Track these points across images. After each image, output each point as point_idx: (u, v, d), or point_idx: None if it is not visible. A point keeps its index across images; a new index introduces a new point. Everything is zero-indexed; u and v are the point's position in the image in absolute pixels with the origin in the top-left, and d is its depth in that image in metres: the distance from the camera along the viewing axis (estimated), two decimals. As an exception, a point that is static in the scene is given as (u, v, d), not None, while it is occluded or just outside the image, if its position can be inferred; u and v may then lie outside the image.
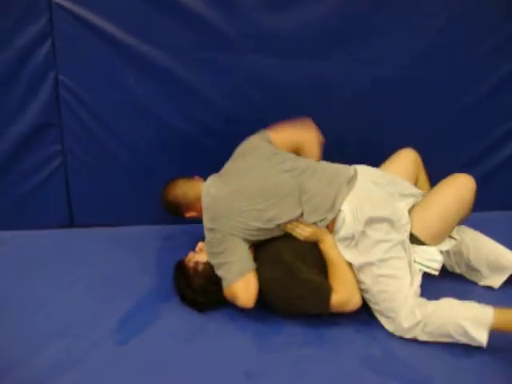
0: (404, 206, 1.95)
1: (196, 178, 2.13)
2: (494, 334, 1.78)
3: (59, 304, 2.04)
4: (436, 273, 1.92)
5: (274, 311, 1.96)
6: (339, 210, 1.91)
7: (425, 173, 2.20)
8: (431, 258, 1.92)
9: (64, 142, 2.34)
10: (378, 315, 1.94)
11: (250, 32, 2.18)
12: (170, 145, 2.38)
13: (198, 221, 2.04)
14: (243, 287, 1.87)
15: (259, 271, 1.91)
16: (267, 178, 1.99)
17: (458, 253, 2.10)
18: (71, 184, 2.42)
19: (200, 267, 1.98)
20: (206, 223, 1.97)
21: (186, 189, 2.08)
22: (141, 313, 2.01)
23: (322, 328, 1.94)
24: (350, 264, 1.91)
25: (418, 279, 1.90)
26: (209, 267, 1.96)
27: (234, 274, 1.88)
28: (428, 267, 1.91)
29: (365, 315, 1.95)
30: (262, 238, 1.97)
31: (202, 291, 1.97)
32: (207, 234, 1.97)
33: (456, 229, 2.02)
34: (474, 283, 2.15)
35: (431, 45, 2.30)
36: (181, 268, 2.02)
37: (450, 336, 1.82)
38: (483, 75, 2.40)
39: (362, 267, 1.89)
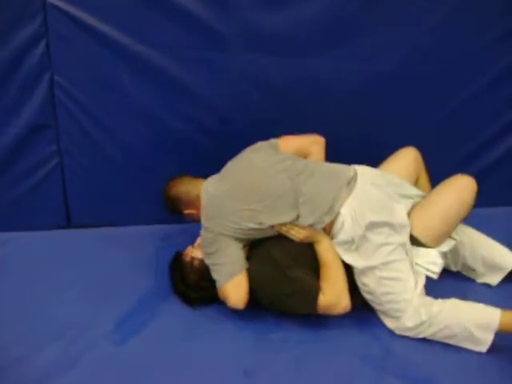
0: (403, 207, 1.93)
1: (200, 179, 2.11)
2: (498, 334, 1.78)
3: (57, 304, 2.04)
4: (435, 276, 1.91)
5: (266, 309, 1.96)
6: (338, 213, 1.89)
7: (426, 172, 2.19)
8: (431, 261, 1.91)
9: (60, 143, 2.34)
10: (380, 315, 1.93)
11: (245, 31, 2.18)
12: (165, 144, 2.38)
13: (195, 220, 2.05)
14: (233, 289, 1.88)
15: (249, 269, 1.92)
16: (263, 177, 1.98)
17: (454, 251, 2.08)
18: (68, 185, 2.42)
19: (195, 263, 1.98)
20: (203, 221, 1.97)
21: (189, 186, 2.08)
22: (139, 313, 2.02)
23: (321, 326, 1.94)
24: (348, 267, 1.90)
25: (422, 280, 1.89)
26: (204, 264, 1.96)
27: (225, 276, 1.89)
28: (428, 270, 1.90)
29: (364, 313, 1.95)
30: (256, 237, 1.96)
31: (195, 286, 1.98)
32: (202, 233, 1.97)
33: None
34: (472, 280, 2.15)
35: (427, 40, 2.29)
36: (177, 260, 2.03)
37: (454, 338, 1.82)
38: (481, 70, 2.39)
39: (364, 270, 1.87)
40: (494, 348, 1.79)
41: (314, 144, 2.16)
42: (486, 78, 2.40)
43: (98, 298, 2.08)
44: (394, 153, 2.20)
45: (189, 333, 1.93)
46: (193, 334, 1.93)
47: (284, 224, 1.92)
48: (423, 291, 1.89)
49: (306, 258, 1.92)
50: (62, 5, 2.09)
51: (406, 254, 1.88)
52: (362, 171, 2.01)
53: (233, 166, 2.07)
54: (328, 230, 1.93)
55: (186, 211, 2.09)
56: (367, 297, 1.92)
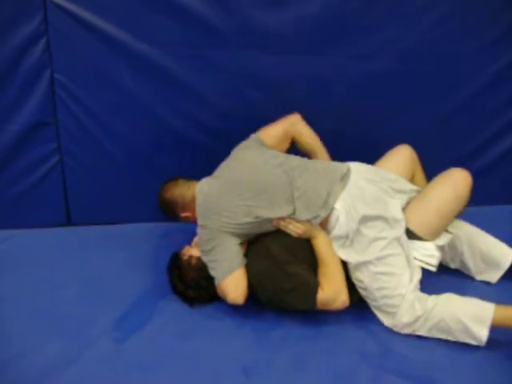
0: (398, 202, 1.94)
1: (193, 181, 2.10)
2: (494, 329, 1.78)
3: (57, 302, 2.04)
4: (434, 269, 1.92)
5: (266, 307, 1.97)
6: (333, 208, 1.91)
7: (421, 169, 2.20)
8: (429, 254, 1.92)
9: (60, 141, 2.34)
10: (376, 311, 1.94)
11: (245, 28, 2.18)
12: (165, 142, 2.38)
13: (193, 222, 2.05)
14: (232, 284, 1.88)
15: (248, 265, 1.92)
16: (259, 172, 1.99)
17: (452, 247, 2.10)
18: (68, 182, 2.42)
19: (193, 261, 1.99)
20: (198, 220, 1.98)
21: (183, 189, 2.07)
22: (138, 310, 2.02)
23: (319, 323, 1.94)
24: (344, 263, 1.92)
25: (418, 274, 1.90)
26: (202, 262, 1.97)
27: (223, 272, 1.89)
28: (426, 263, 1.92)
29: (363, 310, 1.96)
30: (253, 232, 1.97)
31: (193, 285, 1.99)
32: (198, 231, 1.98)
33: (450, 223, 2.03)
34: (471, 278, 2.15)
35: (427, 40, 2.29)
36: (175, 260, 2.04)
37: (449, 332, 1.83)
38: (480, 69, 2.39)
39: (358, 266, 1.89)
40: (491, 345, 1.80)
41: (295, 123, 2.17)
42: (485, 77, 2.40)
43: (97, 295, 2.08)
44: (388, 151, 2.20)
45: (188, 330, 1.93)
46: (192, 331, 1.93)
47: (281, 218, 1.92)
48: (418, 286, 1.90)
49: (305, 253, 1.93)
50: (63, 2, 2.09)
51: (402, 248, 1.88)
52: (356, 167, 2.02)
53: (227, 165, 2.08)
54: (324, 226, 1.94)
55: (183, 214, 2.08)
56: (362, 293, 1.93)
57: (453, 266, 2.17)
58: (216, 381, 1.74)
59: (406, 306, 1.85)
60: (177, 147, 2.39)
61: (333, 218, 1.91)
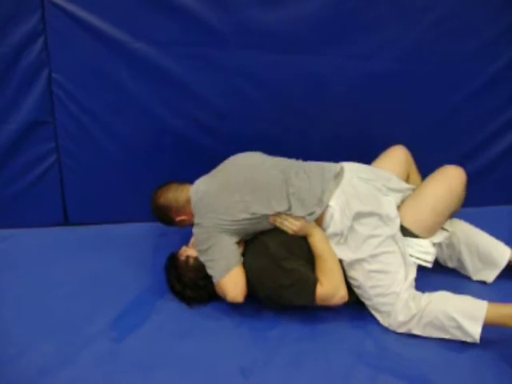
0: (392, 199, 1.95)
1: (186, 184, 2.10)
2: (489, 328, 1.78)
3: (54, 301, 2.04)
4: (429, 265, 1.93)
5: (265, 306, 1.97)
6: (327, 205, 1.91)
7: (416, 170, 2.20)
8: (424, 251, 1.92)
9: (58, 140, 2.34)
10: (372, 310, 1.94)
11: (244, 28, 2.18)
12: (163, 141, 2.38)
13: (189, 226, 2.05)
14: (231, 283, 1.88)
15: (245, 263, 1.92)
16: (256, 171, 2.00)
17: (450, 245, 2.10)
18: (65, 182, 2.42)
19: (191, 261, 1.99)
20: (195, 218, 1.97)
21: (177, 192, 2.06)
22: (136, 310, 2.02)
23: (316, 323, 1.94)
24: (340, 260, 1.91)
25: (413, 272, 1.90)
26: (199, 262, 1.96)
27: (221, 271, 1.89)
28: (421, 260, 1.92)
29: (360, 310, 1.95)
30: (250, 229, 1.96)
31: (192, 285, 1.99)
32: (194, 230, 1.98)
33: (449, 221, 2.03)
34: (468, 278, 2.15)
35: (427, 39, 2.29)
36: (172, 260, 2.04)
37: (443, 330, 1.82)
38: (479, 69, 2.39)
39: (352, 264, 1.89)
40: (486, 343, 1.80)
41: None
42: (485, 76, 2.40)
43: (94, 295, 2.08)
44: (382, 152, 2.20)
45: (186, 330, 1.93)
46: (190, 331, 1.92)
47: (277, 215, 1.92)
48: (413, 284, 1.90)
49: (302, 250, 1.93)
50: (61, 2, 2.09)
51: (397, 245, 1.88)
52: (350, 167, 2.03)
53: (224, 166, 2.09)
54: (319, 224, 1.95)
55: (178, 218, 2.07)
56: (357, 291, 1.93)
57: (450, 265, 2.16)
58: (213, 380, 1.74)
59: (400, 304, 1.85)
60: (175, 146, 2.39)
61: (327, 216, 1.92)
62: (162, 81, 2.25)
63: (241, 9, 2.15)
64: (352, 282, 1.92)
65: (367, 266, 1.87)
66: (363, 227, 1.88)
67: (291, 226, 1.92)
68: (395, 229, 1.89)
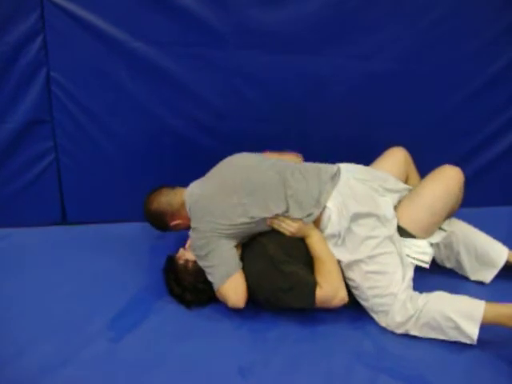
0: (389, 200, 1.95)
1: (178, 187, 2.08)
2: (486, 329, 1.78)
3: (52, 301, 2.03)
4: (426, 266, 1.93)
5: (263, 308, 1.96)
6: (325, 207, 1.91)
7: (415, 171, 2.20)
8: (421, 251, 1.92)
9: (56, 139, 2.33)
10: (369, 311, 1.94)
11: (243, 28, 2.18)
12: (162, 141, 2.37)
13: (184, 229, 2.04)
14: (231, 289, 1.88)
15: (244, 266, 1.91)
16: (253, 173, 1.99)
17: (448, 245, 2.10)
18: (63, 181, 2.42)
19: (190, 265, 1.98)
20: (191, 223, 1.96)
21: (169, 197, 2.04)
22: (134, 310, 2.01)
23: (315, 324, 1.94)
24: (338, 261, 1.91)
25: (411, 272, 1.90)
26: (198, 266, 1.95)
27: (221, 277, 1.88)
28: (418, 260, 1.92)
29: (358, 311, 1.95)
30: (248, 232, 1.95)
31: (191, 288, 1.98)
32: (191, 235, 1.97)
33: (447, 221, 2.03)
34: (466, 278, 2.15)
35: (426, 39, 2.29)
36: (171, 264, 2.03)
37: (441, 330, 1.82)
38: (479, 69, 2.39)
39: (350, 265, 1.89)
40: (483, 344, 1.80)
41: (293, 160, 2.17)
42: (484, 76, 2.40)
43: (92, 295, 2.07)
44: (382, 153, 2.20)
45: (184, 331, 1.92)
46: (188, 332, 1.92)
47: (275, 217, 1.92)
48: (411, 284, 1.90)
49: (300, 252, 1.93)
50: (60, 0, 2.09)
51: (394, 246, 1.88)
52: (346, 167, 2.03)
53: (219, 168, 2.07)
54: (316, 225, 1.94)
55: (173, 223, 2.06)
56: (354, 292, 1.93)
57: (448, 265, 2.16)
58: (212, 381, 1.74)
59: (398, 305, 1.85)
60: (174, 146, 2.39)
61: (325, 217, 1.92)
62: (162, 80, 2.25)
63: (240, 9, 2.15)
64: (349, 283, 1.92)
65: (365, 267, 1.87)
66: (361, 228, 1.87)
67: (288, 227, 1.92)
68: (392, 229, 1.89)
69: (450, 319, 1.80)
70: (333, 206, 1.90)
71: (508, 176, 2.61)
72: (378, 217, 1.88)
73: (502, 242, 2.11)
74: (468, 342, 1.80)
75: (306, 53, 2.25)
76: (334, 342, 1.87)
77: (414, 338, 1.86)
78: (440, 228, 2.00)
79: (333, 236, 1.90)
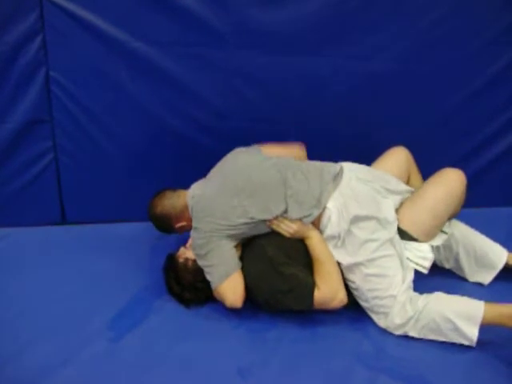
0: (390, 202, 1.94)
1: (180, 190, 2.08)
2: (485, 329, 1.78)
3: (51, 301, 2.03)
4: (425, 271, 1.92)
5: (262, 309, 1.96)
6: (325, 207, 1.90)
7: (417, 171, 2.19)
8: (422, 256, 1.91)
9: (55, 139, 2.33)
10: (369, 312, 1.94)
11: (243, 28, 2.18)
12: (161, 141, 2.37)
13: (189, 231, 2.03)
14: (229, 289, 1.87)
15: (244, 267, 1.91)
16: (253, 172, 1.98)
17: (447, 247, 2.10)
18: (63, 181, 2.42)
19: (190, 264, 1.98)
20: (193, 222, 1.96)
21: (172, 199, 2.04)
22: (134, 310, 2.02)
23: (314, 325, 1.94)
24: (337, 263, 1.90)
25: (411, 274, 1.90)
26: (198, 265, 1.95)
27: (219, 277, 1.88)
28: (418, 264, 1.91)
29: (357, 312, 1.95)
30: (248, 233, 1.95)
31: (190, 287, 1.98)
32: (192, 234, 1.96)
33: (447, 222, 2.02)
34: (465, 279, 2.14)
35: (426, 39, 2.29)
36: (171, 262, 2.03)
37: (440, 332, 1.82)
38: (479, 70, 2.38)
39: (350, 267, 1.88)
40: (483, 346, 1.80)
41: (297, 153, 2.16)
42: (484, 77, 2.40)
43: (92, 295, 2.07)
44: (383, 153, 2.19)
45: (183, 331, 1.92)
46: (187, 332, 1.92)
47: (274, 217, 1.91)
48: (411, 286, 1.89)
49: (299, 254, 1.92)
50: (59, 0, 2.08)
51: (395, 248, 1.88)
52: (349, 167, 2.02)
53: (219, 168, 2.07)
54: (316, 226, 1.94)
55: (178, 225, 2.05)
56: (354, 293, 1.93)
57: (447, 266, 2.16)
58: (211, 381, 1.73)
59: (397, 307, 1.84)
60: (174, 146, 2.39)
61: (325, 218, 1.91)
62: (161, 80, 2.25)
63: (240, 9, 2.14)
64: (349, 284, 1.92)
65: (365, 270, 1.86)
66: (361, 231, 1.87)
67: (288, 228, 1.91)
68: (393, 232, 1.89)
69: (449, 321, 1.79)
70: (333, 206, 1.89)
71: (508, 176, 2.60)
72: (378, 219, 1.87)
73: (502, 243, 2.11)
74: (467, 343, 1.80)
75: (306, 53, 2.25)
76: (333, 342, 1.87)
77: (414, 338, 1.86)
78: (441, 230, 1.99)
79: (332, 237, 1.90)
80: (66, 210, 2.48)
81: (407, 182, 2.14)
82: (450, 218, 2.01)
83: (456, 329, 1.79)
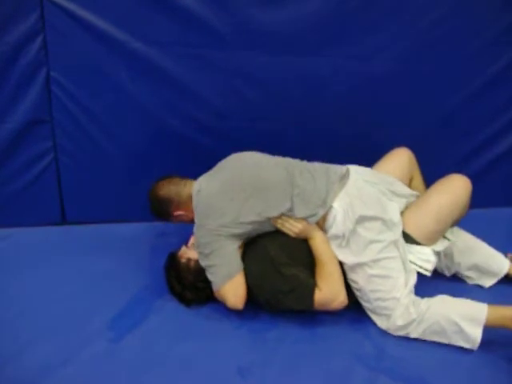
0: (396, 205, 1.94)
1: (188, 179, 2.05)
2: (486, 330, 1.78)
3: (52, 301, 2.03)
4: (428, 274, 1.92)
5: (263, 309, 1.96)
6: (331, 207, 1.90)
7: (419, 172, 2.19)
8: (425, 259, 1.91)
9: (55, 139, 2.34)
10: (369, 313, 1.94)
11: (243, 28, 2.17)
12: (162, 141, 2.37)
13: (184, 222, 2.04)
14: (231, 290, 1.87)
15: (245, 267, 1.91)
16: (260, 169, 1.97)
17: (449, 256, 2.10)
18: (63, 181, 2.42)
19: (192, 264, 1.97)
20: (197, 220, 1.95)
21: (180, 187, 2.02)
22: (134, 310, 2.01)
23: (315, 325, 1.94)
24: (341, 263, 1.91)
25: (414, 277, 1.90)
26: (200, 265, 1.95)
27: (222, 278, 1.87)
28: (421, 267, 1.91)
29: (358, 312, 1.95)
30: (253, 232, 1.94)
31: (191, 287, 1.98)
32: (195, 232, 1.95)
33: (449, 230, 2.01)
34: (465, 282, 2.14)
35: (426, 38, 2.29)
36: (173, 261, 2.02)
37: (443, 334, 1.82)
38: (479, 70, 2.38)
39: (354, 267, 1.88)
40: (484, 346, 1.80)
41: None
42: (484, 77, 2.40)
43: (92, 295, 2.07)
44: (386, 154, 2.19)
45: (184, 331, 1.92)
46: (188, 332, 1.92)
47: (279, 216, 1.91)
48: (413, 289, 1.89)
49: (302, 254, 1.92)
50: (60, 0, 2.08)
51: (398, 251, 1.88)
52: (355, 169, 2.02)
53: (225, 164, 2.06)
54: (321, 225, 1.93)
55: (176, 212, 2.03)
56: (356, 293, 1.93)
57: (448, 274, 2.16)
58: (212, 381, 1.73)
59: (400, 309, 1.84)
60: (174, 146, 2.39)
61: (330, 217, 1.90)
62: (162, 81, 2.24)
63: (240, 9, 2.14)
64: (352, 284, 1.92)
65: (369, 271, 1.86)
66: (366, 231, 1.86)
67: (292, 228, 1.91)
68: (398, 234, 1.89)
69: (454, 323, 1.79)
70: (339, 206, 1.89)
71: (509, 177, 2.61)
72: (384, 220, 1.87)
73: (503, 243, 2.12)
74: (469, 346, 1.80)
75: (306, 53, 2.25)
76: (333, 343, 1.87)
77: (414, 339, 1.86)
78: (444, 237, 1.99)
79: (337, 237, 1.89)
80: (66, 210, 2.48)
81: (409, 184, 2.14)
82: (453, 224, 2.01)
83: (460, 330, 1.79)
